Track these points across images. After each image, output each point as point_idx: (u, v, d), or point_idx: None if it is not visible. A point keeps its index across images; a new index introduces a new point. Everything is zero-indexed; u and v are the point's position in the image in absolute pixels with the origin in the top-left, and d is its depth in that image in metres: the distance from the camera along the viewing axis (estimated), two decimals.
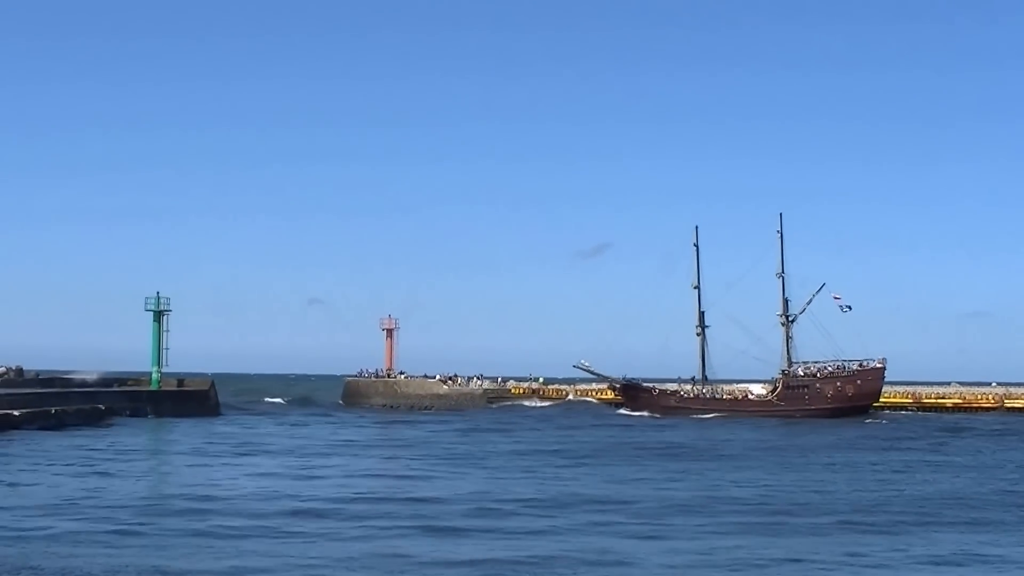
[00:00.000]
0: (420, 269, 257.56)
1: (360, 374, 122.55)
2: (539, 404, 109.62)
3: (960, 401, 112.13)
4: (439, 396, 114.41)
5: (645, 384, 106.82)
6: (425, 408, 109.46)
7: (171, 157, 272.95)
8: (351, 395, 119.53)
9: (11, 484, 38.17)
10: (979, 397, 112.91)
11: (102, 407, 77.87)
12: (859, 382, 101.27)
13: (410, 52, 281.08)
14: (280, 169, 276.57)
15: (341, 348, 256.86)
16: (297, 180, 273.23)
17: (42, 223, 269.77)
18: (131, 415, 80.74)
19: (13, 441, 56.50)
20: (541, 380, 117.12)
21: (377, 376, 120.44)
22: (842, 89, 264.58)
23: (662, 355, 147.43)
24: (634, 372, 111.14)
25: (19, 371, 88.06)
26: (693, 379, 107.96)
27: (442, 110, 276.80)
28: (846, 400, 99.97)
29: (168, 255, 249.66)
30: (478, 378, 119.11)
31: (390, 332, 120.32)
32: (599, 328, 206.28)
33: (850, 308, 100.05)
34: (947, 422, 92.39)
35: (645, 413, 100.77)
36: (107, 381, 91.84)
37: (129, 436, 63.35)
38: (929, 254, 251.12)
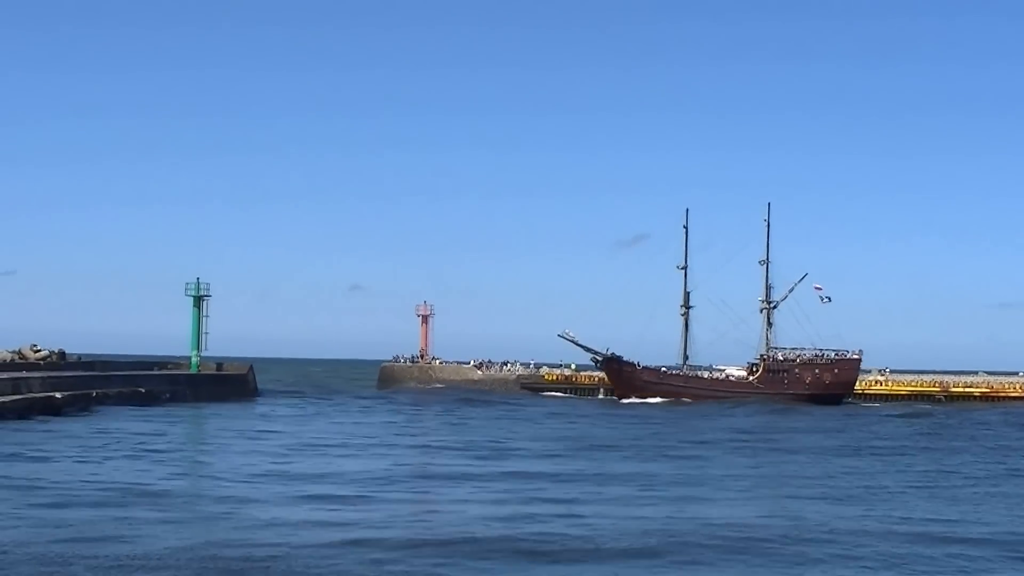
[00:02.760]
0: (459, 256, 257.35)
1: (395, 359, 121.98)
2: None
3: (988, 390, 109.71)
4: (473, 381, 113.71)
5: (627, 360, 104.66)
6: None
7: (213, 144, 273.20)
8: (386, 380, 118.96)
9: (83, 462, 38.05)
10: (1007, 387, 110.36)
11: (142, 390, 77.14)
12: (836, 371, 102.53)
13: (449, 42, 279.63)
14: (322, 155, 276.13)
15: (379, 333, 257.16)
16: (340, 166, 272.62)
17: (85, 209, 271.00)
18: (170, 399, 79.70)
19: (62, 421, 56.01)
20: (573, 367, 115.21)
21: (412, 361, 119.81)
22: (859, 80, 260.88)
23: (642, 339, 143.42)
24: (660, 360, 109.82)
25: (61, 354, 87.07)
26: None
27: (482, 99, 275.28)
28: (823, 387, 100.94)
29: (209, 241, 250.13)
30: (511, 364, 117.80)
31: (425, 318, 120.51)
32: (633, 317, 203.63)
33: (830, 300, 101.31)
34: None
35: (634, 399, 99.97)
36: (144, 365, 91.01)
37: (175, 422, 61.98)
38: (952, 245, 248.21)
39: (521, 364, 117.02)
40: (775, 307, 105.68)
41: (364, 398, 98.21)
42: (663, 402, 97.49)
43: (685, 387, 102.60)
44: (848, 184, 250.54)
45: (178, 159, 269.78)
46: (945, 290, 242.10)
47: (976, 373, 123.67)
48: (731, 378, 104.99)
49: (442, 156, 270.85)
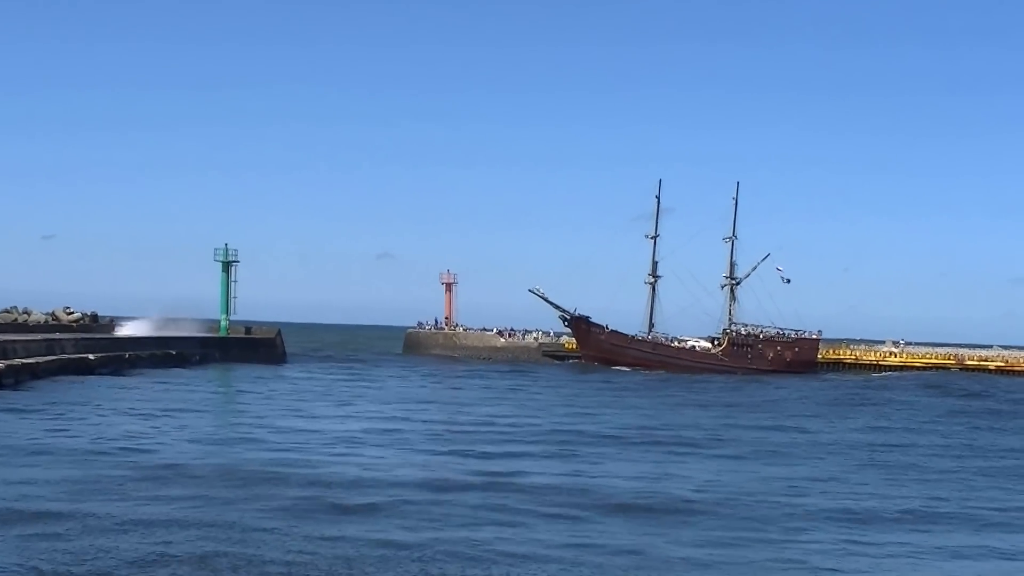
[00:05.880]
0: (484, 225, 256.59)
1: (419, 326, 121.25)
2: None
3: (1003, 364, 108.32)
4: (496, 348, 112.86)
5: (595, 322, 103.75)
6: (484, 359, 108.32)
7: (246, 115, 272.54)
8: (411, 346, 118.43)
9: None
10: (1021, 360, 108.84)
11: (173, 352, 77.12)
12: (797, 349, 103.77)
13: (474, 18, 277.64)
14: (354, 126, 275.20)
15: (407, 300, 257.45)
16: (371, 136, 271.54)
17: (118, 177, 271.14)
18: (200, 360, 79.91)
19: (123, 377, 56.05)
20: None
21: (436, 328, 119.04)
22: (861, 57, 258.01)
23: (608, 309, 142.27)
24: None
25: (94, 317, 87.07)
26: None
27: (508, 74, 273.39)
28: (784, 364, 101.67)
29: (242, 210, 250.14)
30: (533, 332, 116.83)
31: (449, 286, 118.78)
32: (601, 285, 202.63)
33: (789, 281, 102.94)
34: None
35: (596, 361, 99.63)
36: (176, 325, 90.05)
37: (211, 382, 62.72)
38: (969, 222, 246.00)
39: (543, 332, 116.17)
40: (738, 284, 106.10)
41: (390, 363, 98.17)
42: (633, 372, 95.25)
43: (652, 354, 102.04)
44: (844, 162, 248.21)
45: (212, 129, 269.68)
46: (963, 266, 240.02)
47: (991, 347, 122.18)
48: (696, 349, 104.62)
49: (472, 127, 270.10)
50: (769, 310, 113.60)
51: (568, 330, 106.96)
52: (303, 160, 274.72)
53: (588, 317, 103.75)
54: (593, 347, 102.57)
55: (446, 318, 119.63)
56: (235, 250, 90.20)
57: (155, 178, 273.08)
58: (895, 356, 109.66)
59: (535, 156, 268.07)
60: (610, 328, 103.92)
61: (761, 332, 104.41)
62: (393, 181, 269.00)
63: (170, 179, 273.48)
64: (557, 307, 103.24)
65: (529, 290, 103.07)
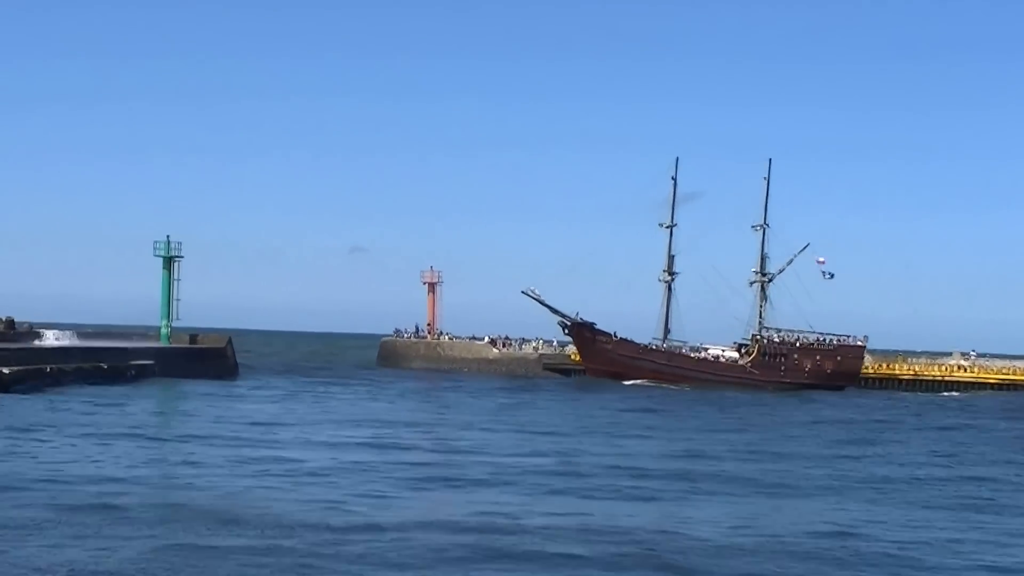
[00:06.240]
0: (472, 217, 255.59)
1: (397, 333, 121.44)
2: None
3: None
4: (488, 361, 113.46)
5: (601, 329, 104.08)
6: (474, 373, 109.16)
7: (192, 87, 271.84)
8: (388, 357, 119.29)
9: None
10: None
11: (104, 365, 76.57)
12: (839, 358, 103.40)
13: None
14: (319, 102, 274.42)
15: (382, 303, 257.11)
16: (339, 114, 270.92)
17: (39, 158, 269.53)
18: (136, 375, 79.39)
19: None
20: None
21: (417, 336, 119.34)
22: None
23: (616, 312, 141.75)
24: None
25: (10, 323, 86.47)
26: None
27: (501, 43, 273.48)
28: (824, 376, 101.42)
29: (186, 198, 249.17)
30: (532, 341, 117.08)
31: (432, 286, 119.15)
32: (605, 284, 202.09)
33: (832, 276, 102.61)
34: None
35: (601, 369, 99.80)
36: (107, 335, 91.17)
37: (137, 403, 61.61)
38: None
39: (544, 342, 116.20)
40: (771, 280, 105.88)
41: (362, 377, 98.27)
42: (646, 385, 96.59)
43: (668, 366, 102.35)
44: (902, 142, 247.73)
45: (147, 102, 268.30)
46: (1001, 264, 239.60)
47: None
48: (721, 359, 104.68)
49: (456, 103, 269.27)
50: (808, 312, 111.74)
51: (571, 339, 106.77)
52: (261, 142, 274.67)
53: (592, 323, 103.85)
54: (599, 359, 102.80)
55: (428, 324, 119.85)
56: (178, 243, 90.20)
57: (85, 159, 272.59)
58: (964, 371, 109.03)
59: (530, 137, 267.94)
60: (619, 336, 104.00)
61: (797, 339, 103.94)
62: (366, 164, 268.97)
63: (102, 161, 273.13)
64: (556, 312, 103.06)
65: (522, 292, 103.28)
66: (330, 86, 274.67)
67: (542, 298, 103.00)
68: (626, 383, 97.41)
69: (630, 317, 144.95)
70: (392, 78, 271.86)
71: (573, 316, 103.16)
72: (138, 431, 45.78)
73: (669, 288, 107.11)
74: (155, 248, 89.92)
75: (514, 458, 41.84)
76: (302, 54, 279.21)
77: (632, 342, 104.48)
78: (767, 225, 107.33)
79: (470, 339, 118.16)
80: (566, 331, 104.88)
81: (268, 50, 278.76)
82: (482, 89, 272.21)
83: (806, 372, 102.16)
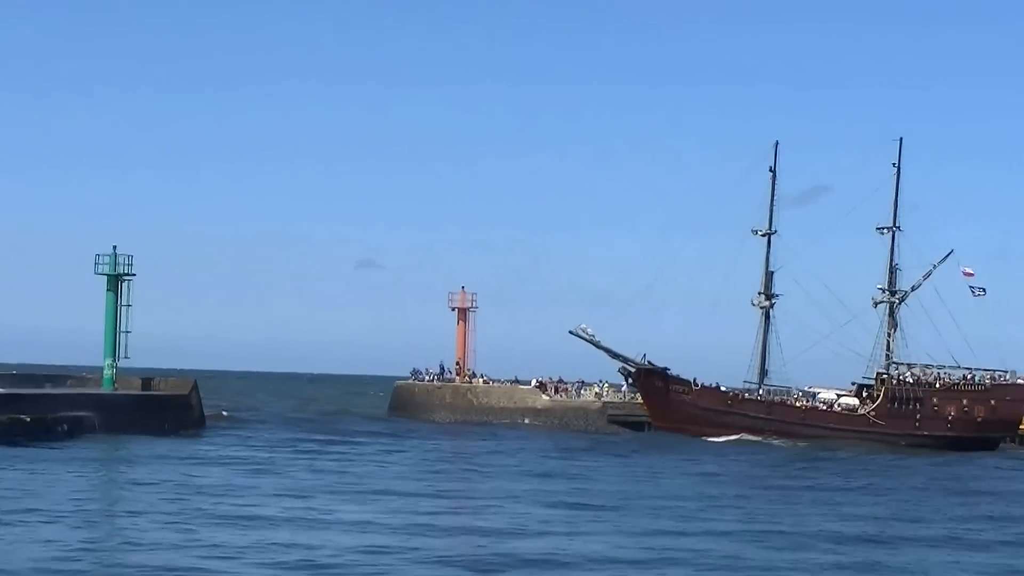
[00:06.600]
0: (511, 228, 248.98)
1: (416, 375, 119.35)
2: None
3: None
4: (536, 411, 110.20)
5: (676, 375, 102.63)
6: (517, 426, 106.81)
7: (147, 72, 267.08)
8: (403, 406, 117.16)
9: None
10: None
11: (27, 419, 74.09)
12: (994, 402, 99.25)
13: None
14: (318, 86, 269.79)
15: (395, 336, 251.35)
16: (343, 101, 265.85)
17: None
18: (70, 431, 76.80)
19: None
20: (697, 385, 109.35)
21: (442, 378, 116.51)
22: None
23: (693, 350, 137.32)
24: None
25: None
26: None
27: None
28: (973, 427, 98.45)
29: (137, 196, 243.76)
30: (592, 385, 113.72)
31: (463, 313, 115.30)
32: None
33: (984, 292, 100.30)
34: None
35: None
36: (32, 379, 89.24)
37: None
38: None
39: (609, 385, 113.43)
40: (902, 301, 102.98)
41: (370, 433, 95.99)
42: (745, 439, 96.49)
43: (767, 420, 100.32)
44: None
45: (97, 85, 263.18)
46: None
47: None
48: (837, 408, 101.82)
49: (488, 88, 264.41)
50: (952, 342, 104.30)
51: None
52: (238, 126, 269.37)
53: (665, 369, 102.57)
54: (675, 415, 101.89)
55: (458, 363, 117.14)
56: (128, 257, 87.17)
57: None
58: None
59: (581, 132, 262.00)
60: (700, 383, 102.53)
61: (937, 376, 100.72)
62: (380, 158, 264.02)
63: (23, 154, 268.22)
64: (615, 355, 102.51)
65: (570, 332, 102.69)
66: (326, 65, 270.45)
67: (596, 339, 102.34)
68: (717, 440, 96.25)
69: (713, 354, 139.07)
70: (417, 56, 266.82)
71: (639, 360, 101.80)
72: (56, 510, 43.21)
73: (767, 316, 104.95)
74: (97, 263, 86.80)
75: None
76: (291, 25, 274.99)
77: (718, 390, 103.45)
78: (897, 228, 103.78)
79: (512, 383, 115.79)
80: (629, 380, 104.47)
81: (251, 21, 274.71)
82: (517, 69, 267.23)
83: (949, 421, 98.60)
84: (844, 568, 38.62)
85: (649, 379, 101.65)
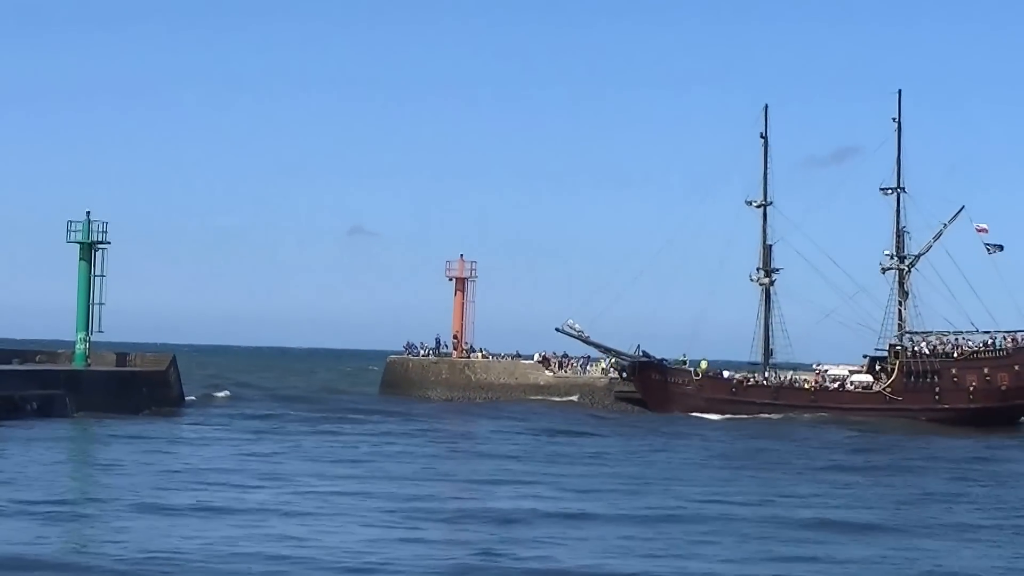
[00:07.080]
0: (509, 192, 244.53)
1: (409, 349, 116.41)
2: None
3: None
4: (539, 387, 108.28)
5: (674, 364, 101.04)
6: (517, 403, 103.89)
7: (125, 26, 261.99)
8: (396, 383, 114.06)
9: None
10: None
11: None
12: (1018, 367, 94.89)
13: None
14: (305, 35, 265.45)
15: (387, 307, 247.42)
16: (333, 51, 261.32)
17: None
18: (40, 409, 75.94)
19: None
20: (703, 364, 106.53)
21: (438, 353, 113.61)
22: None
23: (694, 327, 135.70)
24: None
25: None
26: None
27: None
28: (998, 397, 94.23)
29: (112, 161, 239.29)
30: (597, 361, 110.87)
31: (462, 283, 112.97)
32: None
33: (1001, 248, 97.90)
34: None
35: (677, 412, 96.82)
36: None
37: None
38: None
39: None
40: (912, 265, 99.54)
41: (361, 411, 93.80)
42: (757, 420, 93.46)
43: (775, 405, 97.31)
44: None
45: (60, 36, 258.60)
46: None
47: None
48: (848, 386, 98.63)
49: (484, 41, 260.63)
50: (969, 305, 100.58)
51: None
52: (219, 82, 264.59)
53: (663, 360, 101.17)
54: (678, 407, 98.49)
55: (455, 336, 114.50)
56: (103, 224, 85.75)
57: None
58: None
59: (581, 84, 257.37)
60: (702, 373, 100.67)
61: (955, 345, 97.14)
62: (370, 112, 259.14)
63: None
64: (606, 349, 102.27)
65: (557, 329, 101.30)
66: (317, 15, 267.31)
67: (584, 334, 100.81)
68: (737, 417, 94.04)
69: (716, 331, 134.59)
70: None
71: (635, 352, 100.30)
72: (24, 497, 41.89)
73: (767, 293, 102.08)
74: (69, 231, 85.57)
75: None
76: None
77: (721, 378, 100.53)
78: (902, 189, 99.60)
79: (513, 357, 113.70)
80: (623, 375, 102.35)
81: None
82: (515, 19, 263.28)
83: (971, 392, 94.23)
84: None
85: (645, 372, 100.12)
